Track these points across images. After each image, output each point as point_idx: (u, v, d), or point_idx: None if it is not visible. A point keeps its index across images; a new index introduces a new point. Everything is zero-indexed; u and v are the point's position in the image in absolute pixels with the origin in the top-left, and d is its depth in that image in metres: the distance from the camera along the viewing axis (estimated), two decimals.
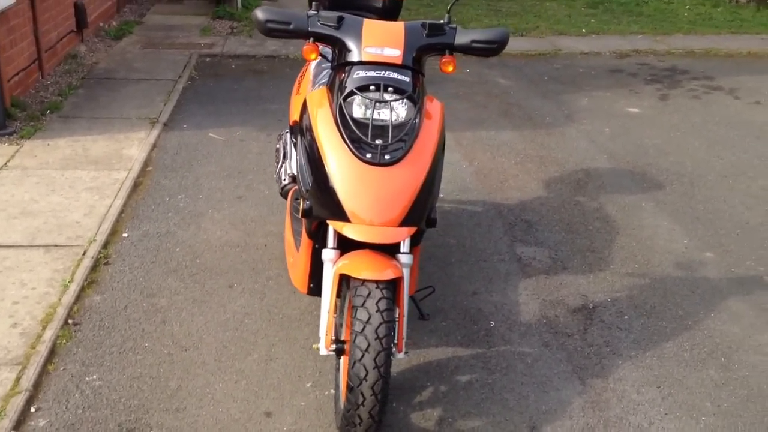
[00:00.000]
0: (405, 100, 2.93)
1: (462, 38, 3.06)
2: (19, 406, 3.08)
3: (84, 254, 4.21)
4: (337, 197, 2.82)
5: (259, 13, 3.03)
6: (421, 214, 2.92)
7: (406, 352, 3.00)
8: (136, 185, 5.10)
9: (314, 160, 2.91)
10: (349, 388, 2.71)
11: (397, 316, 2.89)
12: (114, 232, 4.49)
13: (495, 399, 3.23)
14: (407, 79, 2.95)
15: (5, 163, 5.33)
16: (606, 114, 6.81)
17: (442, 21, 3.17)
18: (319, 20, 3.02)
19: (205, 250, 4.31)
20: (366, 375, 2.67)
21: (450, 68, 3.07)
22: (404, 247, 2.95)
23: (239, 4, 10.50)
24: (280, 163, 3.93)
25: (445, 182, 5.22)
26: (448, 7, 3.28)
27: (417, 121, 2.94)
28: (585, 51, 8.87)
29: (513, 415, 3.14)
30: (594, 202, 5.05)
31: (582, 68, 8.26)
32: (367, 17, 3.99)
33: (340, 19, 3.03)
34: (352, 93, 2.91)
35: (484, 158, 5.74)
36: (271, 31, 3.02)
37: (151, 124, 6.09)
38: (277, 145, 4.09)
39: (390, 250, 2.93)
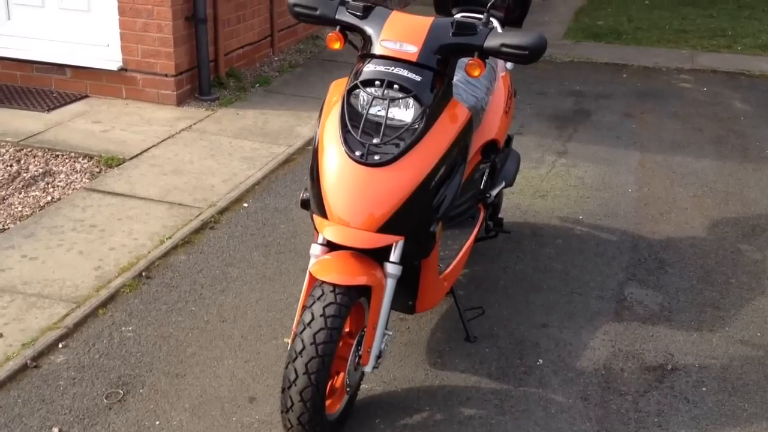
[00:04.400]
0: (411, 101, 2.71)
1: (492, 41, 2.76)
2: (50, 339, 3.34)
3: (197, 216, 4.45)
4: (321, 192, 2.71)
5: None
6: (410, 223, 2.70)
7: (375, 367, 2.81)
8: (288, 161, 5.27)
9: (314, 149, 2.82)
10: (282, 389, 2.60)
11: (365, 327, 2.73)
12: (238, 200, 4.68)
13: None
14: (418, 78, 2.72)
15: (190, 126, 5.78)
16: None
17: (477, 19, 2.89)
18: (347, 8, 2.89)
19: (304, 231, 4.35)
20: (295, 379, 2.54)
21: (476, 72, 2.78)
22: (393, 256, 2.75)
23: None
24: None
25: (595, 205, 4.79)
26: (488, 5, 2.97)
27: (421, 124, 2.70)
28: None
29: None
30: (758, 254, 4.32)
31: None
32: (490, 15, 3.77)
33: (368, 9, 2.87)
34: (356, 86, 2.76)
35: (659, 186, 5.15)
36: (298, 15, 2.95)
37: None
38: None
39: (381, 258, 2.75)
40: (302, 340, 2.54)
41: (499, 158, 3.80)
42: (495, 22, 3.79)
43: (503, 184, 3.78)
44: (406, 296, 3.05)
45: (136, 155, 5.21)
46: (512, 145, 4.17)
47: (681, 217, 4.73)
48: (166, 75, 6.12)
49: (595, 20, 10.10)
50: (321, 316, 2.55)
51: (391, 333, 2.93)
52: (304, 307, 2.62)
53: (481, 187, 3.63)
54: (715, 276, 4.08)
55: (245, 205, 4.64)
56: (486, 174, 3.67)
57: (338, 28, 2.91)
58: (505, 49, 2.73)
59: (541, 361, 3.37)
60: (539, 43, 2.72)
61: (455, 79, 3.39)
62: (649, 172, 5.39)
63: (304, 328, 2.55)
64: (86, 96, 6.27)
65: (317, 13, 2.91)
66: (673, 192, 5.07)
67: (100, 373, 3.19)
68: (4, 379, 3.09)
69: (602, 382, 3.25)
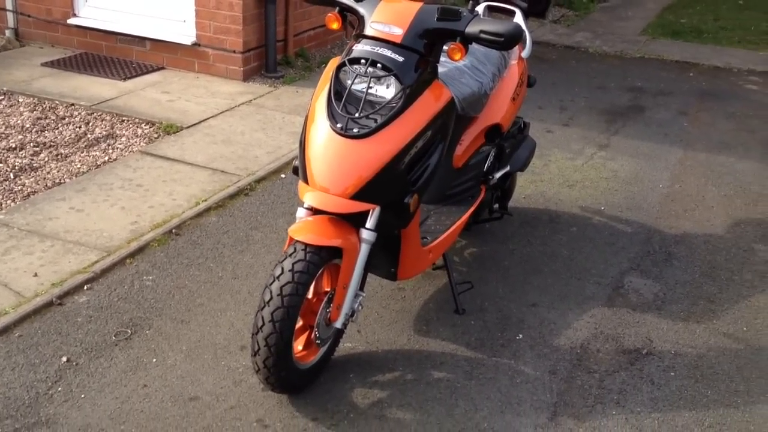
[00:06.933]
0: (392, 79, 2.93)
1: (473, 27, 2.95)
2: (77, 281, 3.73)
3: (235, 183, 4.79)
4: (305, 159, 2.97)
5: None
6: (383, 193, 2.93)
7: (344, 324, 3.06)
8: None
9: (305, 119, 3.09)
10: (251, 335, 2.89)
11: (334, 287, 2.99)
12: (277, 171, 5.01)
13: (446, 402, 3.12)
14: (400, 59, 2.93)
15: (250, 100, 6.15)
16: None
17: (502, 9, 3.09)
18: None
19: None
20: (261, 326, 2.82)
21: (457, 56, 2.98)
22: (369, 223, 2.99)
23: None
24: None
25: (621, 198, 4.89)
26: None
27: (401, 102, 2.92)
28: None
29: (447, 422, 3.03)
30: None
31: None
32: (514, 5, 3.96)
33: None
34: (344, 63, 3.01)
35: (693, 184, 5.19)
36: None
37: None
38: None
39: (360, 225, 3.00)
40: (270, 291, 2.82)
41: (508, 143, 3.97)
42: (482, 10, 3.98)
43: (507, 168, 3.95)
44: (389, 263, 3.28)
45: (194, 124, 5.60)
46: (532, 133, 4.33)
47: (704, 214, 4.78)
48: (234, 51, 6.50)
49: (679, 18, 9.99)
50: (290, 270, 2.82)
51: (364, 294, 3.16)
52: (277, 263, 2.90)
53: (485, 169, 3.81)
54: (720, 272, 4.14)
55: (282, 176, 4.95)
56: (491, 157, 3.86)
57: (337, 9, 3.15)
58: (483, 36, 2.92)
59: (521, 336, 3.55)
60: (514, 31, 2.91)
61: (462, 63, 3.60)
62: (687, 169, 5.42)
63: (273, 281, 2.83)
64: (162, 68, 6.72)
65: None
66: (705, 190, 5.10)
67: (115, 314, 3.55)
68: (30, 313, 3.49)
69: (574, 359, 3.41)
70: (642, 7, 10.59)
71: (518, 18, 4.04)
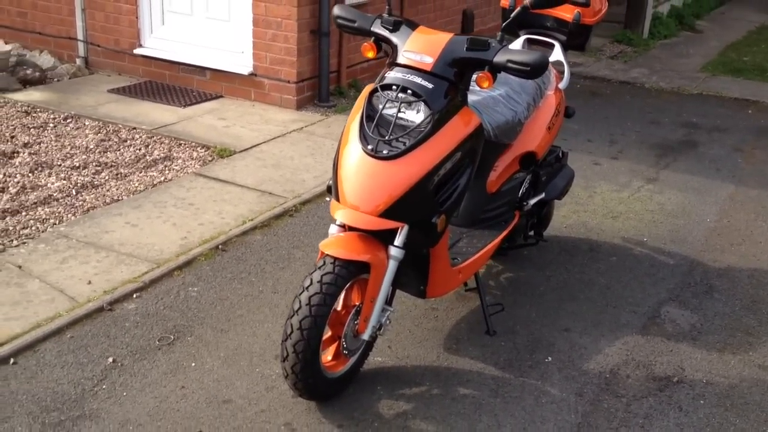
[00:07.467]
0: (421, 105, 3.04)
1: (501, 57, 3.05)
2: (127, 289, 3.91)
3: (281, 204, 4.95)
4: (338, 178, 3.10)
5: (335, 10, 3.37)
6: (410, 212, 3.02)
7: (372, 337, 3.16)
8: None
9: (339, 141, 3.22)
10: (281, 341, 3.00)
11: (361, 301, 3.09)
12: (322, 194, 5.15)
13: (470, 417, 3.18)
14: (430, 86, 3.04)
15: (301, 128, 6.34)
16: None
17: (542, 42, 3.21)
18: (382, 22, 3.26)
19: None
20: (290, 333, 2.94)
21: (485, 84, 3.08)
22: (397, 240, 3.09)
23: (645, 32, 10.38)
24: None
25: (665, 230, 4.90)
26: (503, 25, 3.27)
27: (429, 126, 3.03)
28: None
29: None
30: None
31: None
32: (554, 38, 4.06)
33: (398, 24, 3.22)
34: (377, 89, 3.14)
35: (741, 219, 5.16)
36: (340, 26, 3.35)
37: None
38: None
39: (390, 242, 3.10)
40: (300, 301, 2.94)
41: (544, 171, 4.03)
42: (514, 41, 4.12)
43: (542, 195, 4.01)
44: (419, 281, 3.37)
45: (246, 149, 5.80)
46: (569, 163, 4.38)
47: (751, 249, 4.74)
48: (288, 81, 6.71)
49: (741, 56, 9.92)
50: (318, 282, 2.94)
51: (392, 309, 3.25)
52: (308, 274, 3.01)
53: (519, 195, 3.88)
54: (761, 306, 4.11)
55: (327, 199, 5.09)
56: (526, 183, 3.93)
57: (372, 39, 3.29)
58: (510, 65, 3.02)
59: (550, 358, 3.58)
60: (540, 61, 3.00)
61: (497, 92, 3.70)
62: (736, 205, 5.38)
63: (303, 291, 2.95)
64: (220, 96, 6.97)
65: (356, 25, 3.30)
66: (754, 226, 5.06)
67: (160, 321, 3.71)
68: (82, 316, 3.68)
69: (603, 383, 3.43)
70: (704, 45, 10.54)
71: (557, 51, 4.13)
